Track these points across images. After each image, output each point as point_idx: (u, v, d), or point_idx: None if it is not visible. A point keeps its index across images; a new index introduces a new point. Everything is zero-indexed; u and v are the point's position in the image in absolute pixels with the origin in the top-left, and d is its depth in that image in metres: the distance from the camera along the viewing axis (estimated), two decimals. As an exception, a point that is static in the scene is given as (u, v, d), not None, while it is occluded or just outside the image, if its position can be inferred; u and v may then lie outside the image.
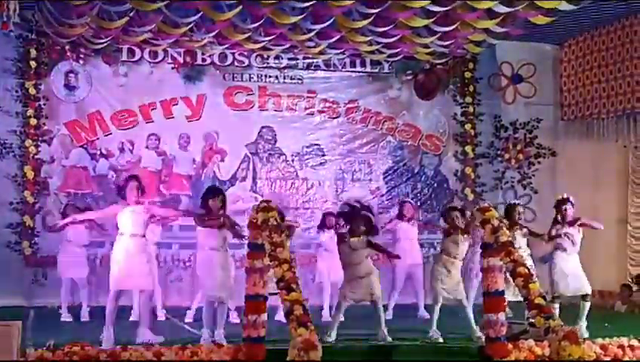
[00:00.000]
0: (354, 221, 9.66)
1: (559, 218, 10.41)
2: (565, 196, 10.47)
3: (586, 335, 9.53)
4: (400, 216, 12.58)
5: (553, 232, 10.40)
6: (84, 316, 11.57)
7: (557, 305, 10.05)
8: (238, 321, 10.54)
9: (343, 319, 9.60)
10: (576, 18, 13.04)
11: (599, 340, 8.95)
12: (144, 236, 9.31)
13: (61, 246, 11.88)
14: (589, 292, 10.30)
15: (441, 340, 9.42)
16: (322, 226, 12.22)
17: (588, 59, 14.64)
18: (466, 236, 9.82)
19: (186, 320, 11.10)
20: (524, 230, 11.14)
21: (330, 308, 11.29)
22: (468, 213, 10.25)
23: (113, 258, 9.26)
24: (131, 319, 10.66)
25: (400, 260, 11.76)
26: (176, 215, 11.36)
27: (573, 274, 10.23)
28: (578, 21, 13.48)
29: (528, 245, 11.36)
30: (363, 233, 9.55)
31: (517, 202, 11.87)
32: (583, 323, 10.01)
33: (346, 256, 9.60)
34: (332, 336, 9.29)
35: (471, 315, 9.67)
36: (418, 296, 12.23)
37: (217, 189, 10.10)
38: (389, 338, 9.27)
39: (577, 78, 14.90)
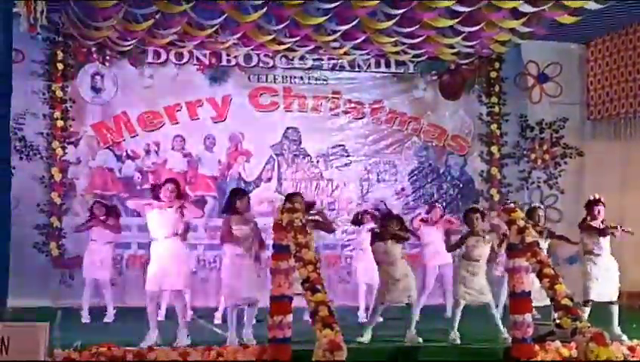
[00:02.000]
0: (388, 221, 9.68)
1: (588, 218, 10.25)
2: (597, 197, 10.30)
3: (624, 338, 9.40)
4: (426, 219, 12.50)
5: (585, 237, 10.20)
6: (110, 317, 11.61)
7: (588, 309, 9.93)
8: (254, 322, 10.54)
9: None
10: (603, 17, 12.95)
11: (627, 341, 8.87)
12: (177, 235, 9.27)
13: (87, 246, 11.91)
14: (615, 298, 10.15)
15: (458, 342, 9.37)
16: (358, 224, 12.17)
17: (615, 58, 14.56)
18: (487, 238, 9.74)
19: (215, 322, 11.12)
20: (545, 232, 11.02)
21: (366, 308, 11.29)
22: (492, 214, 10.18)
23: (151, 262, 9.20)
24: (159, 319, 10.65)
25: (431, 261, 11.79)
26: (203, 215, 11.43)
27: (604, 279, 10.07)
28: (604, 20, 13.38)
29: (552, 246, 11.29)
30: (394, 235, 9.55)
31: (539, 205, 11.77)
32: (616, 327, 9.87)
33: (380, 257, 9.59)
34: (366, 338, 9.29)
35: (498, 317, 9.58)
36: (446, 296, 12.14)
37: (244, 190, 10.11)
38: (420, 339, 9.25)
39: (604, 77, 14.81)
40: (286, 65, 14.55)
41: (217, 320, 11.16)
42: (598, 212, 10.11)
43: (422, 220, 12.47)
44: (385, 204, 13.69)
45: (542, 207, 11.78)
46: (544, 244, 10.81)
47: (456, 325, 9.51)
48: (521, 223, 8.35)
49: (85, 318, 11.54)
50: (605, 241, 10.09)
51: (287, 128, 14.64)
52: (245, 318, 9.21)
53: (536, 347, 8.32)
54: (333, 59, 14.53)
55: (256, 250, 9.30)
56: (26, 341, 6.67)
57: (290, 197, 9.36)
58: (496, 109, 15.26)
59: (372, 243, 9.75)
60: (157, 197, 9.23)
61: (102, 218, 11.64)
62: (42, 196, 13.50)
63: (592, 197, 10.32)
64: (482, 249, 9.66)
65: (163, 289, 9.51)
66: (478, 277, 9.62)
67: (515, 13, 12.02)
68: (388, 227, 9.63)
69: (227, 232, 9.21)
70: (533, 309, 8.55)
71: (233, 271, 9.21)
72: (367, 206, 13.68)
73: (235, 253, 9.18)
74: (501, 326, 9.42)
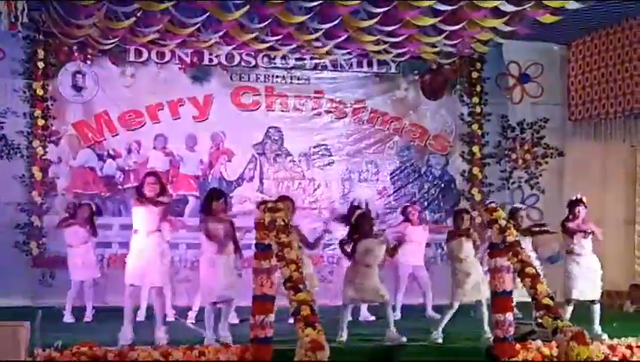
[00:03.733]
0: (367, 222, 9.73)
1: (570, 218, 10.31)
2: (579, 197, 10.38)
3: (605, 337, 9.46)
4: (407, 219, 12.54)
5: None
6: (88, 316, 11.56)
7: (570, 308, 9.99)
8: (237, 321, 10.56)
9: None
10: (584, 17, 13.00)
11: (607, 340, 8.92)
12: (159, 231, 9.26)
13: (68, 249, 11.86)
14: (597, 297, 10.22)
15: (440, 341, 9.39)
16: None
17: (595, 59, 14.61)
18: (470, 235, 9.78)
19: (188, 321, 11.11)
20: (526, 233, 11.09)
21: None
22: (474, 214, 10.23)
23: (129, 255, 9.24)
24: (138, 319, 10.60)
25: (404, 261, 11.91)
26: (182, 227, 11.65)
27: (586, 278, 10.13)
28: (586, 20, 13.42)
29: (534, 245, 11.35)
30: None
31: (520, 206, 11.83)
32: (597, 326, 9.92)
33: (359, 257, 9.59)
34: (344, 337, 9.31)
35: (486, 315, 9.58)
36: (425, 296, 12.22)
37: (220, 191, 10.11)
38: (404, 339, 9.26)
39: (585, 77, 14.87)
40: (268, 64, 14.53)
41: (191, 320, 11.14)
42: (579, 211, 10.22)
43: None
44: (367, 205, 13.68)
45: (523, 207, 11.85)
46: (528, 244, 10.90)
47: (442, 325, 9.54)
48: (503, 223, 8.39)
49: (68, 318, 11.50)
50: (587, 241, 10.17)
51: (269, 128, 14.60)
52: (222, 317, 9.23)
53: (518, 346, 8.37)
54: (316, 58, 14.51)
55: (232, 250, 9.34)
56: (6, 341, 6.64)
57: (280, 200, 9.40)
58: (478, 109, 15.29)
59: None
60: (142, 194, 9.24)
61: (83, 218, 11.61)
62: (23, 195, 13.41)
63: (573, 198, 10.41)
64: (467, 247, 9.71)
65: (143, 286, 9.51)
66: (473, 275, 9.65)
67: (497, 12, 12.05)
68: (365, 226, 9.65)
69: (206, 230, 9.26)
70: (514, 308, 8.60)
71: (209, 270, 9.25)
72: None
73: (211, 251, 9.22)
74: (486, 326, 9.44)
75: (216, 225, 9.23)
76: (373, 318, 11.35)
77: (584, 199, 10.32)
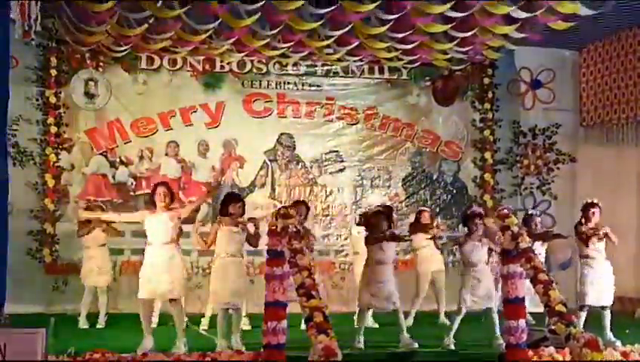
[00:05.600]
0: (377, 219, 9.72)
1: (583, 221, 10.26)
2: (595, 200, 10.32)
3: (618, 343, 9.41)
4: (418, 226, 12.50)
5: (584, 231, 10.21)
6: (102, 323, 11.58)
7: (584, 315, 9.95)
8: (249, 328, 10.58)
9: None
10: (596, 23, 12.97)
11: (620, 347, 8.89)
12: (172, 241, 9.24)
13: (82, 252, 11.87)
14: (608, 304, 10.16)
15: (453, 347, 9.38)
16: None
17: (607, 65, 14.59)
18: (484, 241, 9.76)
19: (201, 328, 11.11)
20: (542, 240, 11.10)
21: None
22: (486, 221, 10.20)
23: (143, 267, 9.20)
24: (152, 326, 10.61)
25: (423, 267, 11.84)
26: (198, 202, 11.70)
27: (600, 284, 10.08)
28: (597, 26, 13.40)
29: (546, 252, 11.34)
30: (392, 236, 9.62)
31: (535, 213, 11.80)
32: (609, 333, 9.88)
33: (374, 257, 9.59)
34: (361, 343, 9.32)
35: (497, 322, 9.56)
36: (439, 302, 12.15)
37: (238, 195, 10.15)
38: (416, 344, 9.25)
39: (597, 83, 14.85)
40: (280, 71, 14.57)
41: (203, 327, 11.15)
42: (593, 214, 10.15)
43: (414, 226, 12.42)
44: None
45: (538, 213, 11.83)
46: (542, 251, 10.89)
47: (453, 331, 9.52)
48: (515, 229, 8.37)
49: (83, 324, 11.51)
50: (601, 245, 10.12)
51: (281, 134, 14.64)
52: (233, 324, 9.24)
53: (530, 352, 8.34)
54: (327, 65, 14.55)
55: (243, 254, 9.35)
56: (23, 347, 6.66)
57: (294, 205, 9.42)
58: (490, 115, 15.28)
59: (367, 244, 9.74)
60: (153, 204, 9.25)
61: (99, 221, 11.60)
62: (35, 202, 13.48)
63: (588, 200, 10.34)
64: (480, 252, 9.69)
65: (157, 298, 9.52)
66: (484, 281, 9.63)
67: (508, 19, 12.04)
68: (380, 226, 9.63)
69: (213, 235, 9.29)
70: (527, 315, 8.58)
71: (219, 274, 9.25)
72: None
73: (223, 256, 9.23)
74: (498, 332, 9.42)
75: (231, 229, 9.23)
76: (376, 326, 11.24)
77: (600, 203, 10.27)
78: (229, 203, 9.39)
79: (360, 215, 12.26)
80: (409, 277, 12.12)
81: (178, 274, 9.23)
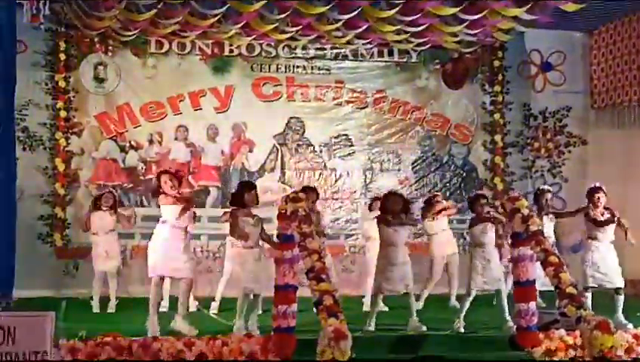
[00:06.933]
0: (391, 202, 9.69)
1: (590, 206, 10.24)
2: (598, 184, 10.30)
3: (630, 326, 9.39)
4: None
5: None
6: (112, 307, 11.61)
7: (589, 295, 9.92)
8: (260, 312, 10.58)
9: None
10: (606, 5, 12.93)
11: (632, 329, 8.86)
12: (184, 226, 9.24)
13: (92, 238, 11.88)
14: (621, 286, 10.12)
15: (462, 330, 9.36)
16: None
17: (619, 47, 14.51)
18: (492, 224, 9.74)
19: (211, 311, 11.12)
20: (551, 216, 11.14)
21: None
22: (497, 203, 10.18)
23: (152, 245, 9.19)
24: (161, 310, 10.63)
25: (438, 250, 11.79)
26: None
27: (605, 266, 10.04)
28: (608, 8, 13.35)
29: (556, 234, 11.32)
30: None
31: (546, 188, 11.79)
32: (620, 315, 9.85)
33: (386, 240, 9.58)
34: (372, 326, 9.32)
35: (505, 304, 9.54)
36: (451, 285, 12.09)
37: (252, 183, 9.99)
38: (424, 328, 9.24)
39: (608, 65, 14.77)
40: (289, 54, 14.53)
41: (213, 310, 11.16)
42: (598, 199, 10.12)
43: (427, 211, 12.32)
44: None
45: (550, 190, 11.83)
46: (550, 228, 10.89)
47: (463, 313, 9.51)
48: (526, 212, 8.35)
49: (96, 308, 11.53)
50: (609, 228, 10.10)
51: (290, 118, 14.62)
52: (252, 309, 9.22)
53: (541, 335, 8.33)
54: (336, 48, 14.50)
55: (265, 239, 9.30)
56: (32, 331, 6.68)
57: (304, 191, 9.38)
58: (500, 98, 15.22)
59: (381, 225, 9.68)
60: (163, 193, 9.20)
61: (108, 206, 11.60)
62: (46, 187, 13.51)
63: (593, 185, 10.33)
64: (489, 234, 9.67)
65: (169, 276, 9.52)
66: (492, 263, 9.60)
67: (518, 1, 11.99)
68: (393, 209, 9.57)
69: (235, 226, 9.12)
70: (538, 297, 8.57)
71: (238, 262, 9.23)
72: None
73: (241, 246, 9.18)
74: (507, 315, 9.41)
75: (249, 220, 9.16)
76: (386, 309, 11.19)
77: (603, 187, 10.24)
78: (243, 191, 9.28)
79: (373, 199, 12.27)
80: (420, 260, 12.07)
81: (189, 254, 9.33)
